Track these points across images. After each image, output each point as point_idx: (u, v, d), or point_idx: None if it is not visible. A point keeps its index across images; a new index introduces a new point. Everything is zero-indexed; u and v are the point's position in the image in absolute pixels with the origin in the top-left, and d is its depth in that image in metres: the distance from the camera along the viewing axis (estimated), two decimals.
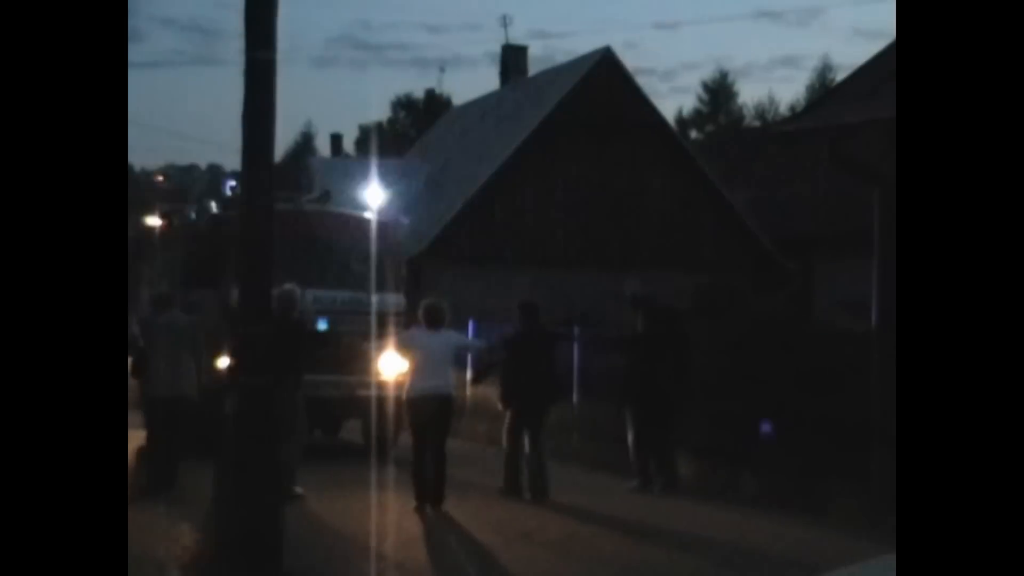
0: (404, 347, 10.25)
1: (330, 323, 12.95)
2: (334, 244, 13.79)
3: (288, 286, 10.13)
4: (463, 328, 17.34)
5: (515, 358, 10.66)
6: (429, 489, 9.72)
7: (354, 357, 12.75)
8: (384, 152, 43.55)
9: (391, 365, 12.50)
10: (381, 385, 12.57)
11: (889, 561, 2.89)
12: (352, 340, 12.86)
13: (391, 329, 12.67)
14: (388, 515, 9.38)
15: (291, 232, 12.65)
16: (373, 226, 14.16)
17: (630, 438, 11.17)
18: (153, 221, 15.97)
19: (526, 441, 10.61)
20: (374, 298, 13.37)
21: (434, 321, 10.04)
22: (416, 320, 10.42)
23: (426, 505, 9.65)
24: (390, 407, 12.41)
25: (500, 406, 10.95)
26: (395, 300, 13.58)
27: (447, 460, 9.88)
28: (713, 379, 11.82)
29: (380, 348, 12.60)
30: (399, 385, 12.96)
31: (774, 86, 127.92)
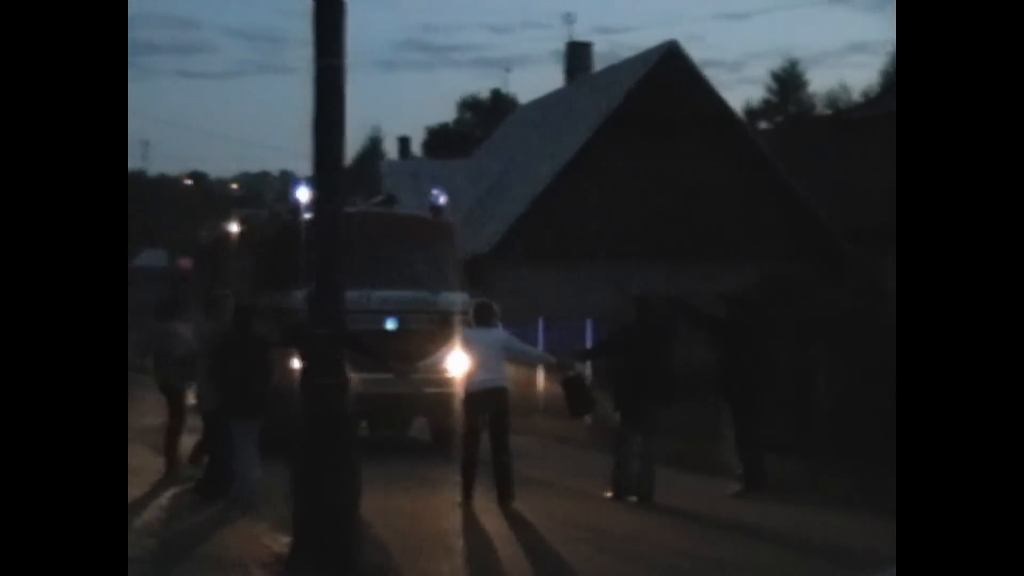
0: (464, 345, 10.46)
1: (397, 322, 13.22)
2: (398, 246, 14.06)
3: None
4: (531, 326, 17.44)
5: (631, 357, 10.30)
6: (477, 484, 9.76)
7: (420, 355, 12.98)
8: (451, 153, 43.77)
9: (457, 362, 12.72)
10: (448, 382, 12.73)
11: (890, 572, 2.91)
12: (418, 338, 13.14)
13: (456, 327, 12.81)
14: (460, 512, 9.49)
15: (356, 235, 12.97)
16: (435, 226, 14.42)
17: (730, 436, 10.77)
18: (231, 227, 16.28)
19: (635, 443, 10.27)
20: (439, 297, 13.59)
21: (483, 319, 10.30)
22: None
23: (472, 501, 9.68)
24: (457, 404, 12.59)
25: (614, 410, 10.55)
26: (459, 299, 13.72)
27: (512, 457, 9.91)
28: (789, 373, 11.66)
29: (445, 346, 12.74)
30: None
31: (846, 73, 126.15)
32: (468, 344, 10.33)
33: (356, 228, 13.07)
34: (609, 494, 10.23)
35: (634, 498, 10.11)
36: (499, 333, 10.48)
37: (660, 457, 10.63)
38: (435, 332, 13.33)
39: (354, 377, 11.96)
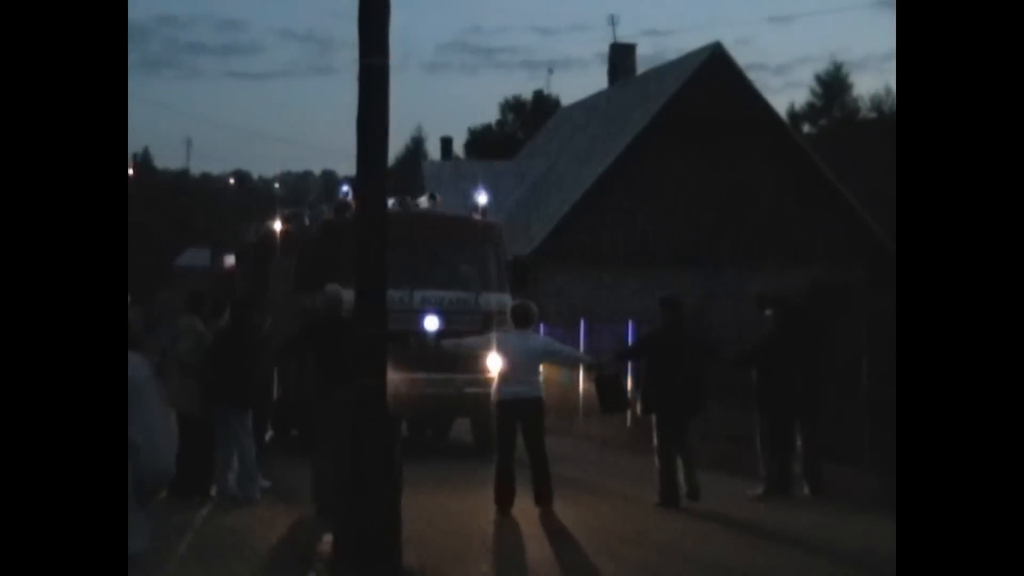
0: (498, 348, 9.99)
1: (439, 323, 13.13)
2: (440, 245, 14.02)
3: (332, 286, 10.05)
4: (575, 328, 17.38)
5: (659, 359, 10.06)
6: (511, 490, 9.50)
7: (461, 356, 12.74)
8: (493, 154, 43.81)
9: (498, 363, 12.64)
10: (489, 383, 12.70)
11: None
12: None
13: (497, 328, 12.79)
14: (501, 513, 9.43)
15: (398, 234, 12.93)
16: (478, 227, 14.35)
17: (760, 441, 10.73)
18: (276, 226, 16.37)
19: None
20: (481, 298, 13.51)
21: (522, 322, 9.86)
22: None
23: (510, 510, 9.42)
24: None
25: (640, 411, 10.40)
26: (501, 299, 13.63)
27: (548, 459, 9.68)
28: (837, 378, 11.48)
29: (487, 347, 12.71)
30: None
31: (891, 77, 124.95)
32: (502, 347, 9.84)
33: (398, 227, 13.16)
34: (657, 500, 10.01)
35: (683, 502, 9.92)
36: (537, 337, 10.22)
37: (702, 459, 10.48)
38: (477, 332, 13.28)
39: (396, 377, 11.99)
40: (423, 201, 15.08)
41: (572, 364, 14.55)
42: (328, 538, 7.72)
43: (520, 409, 9.56)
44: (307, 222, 15.32)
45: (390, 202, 13.55)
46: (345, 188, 14.29)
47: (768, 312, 10.97)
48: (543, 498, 9.60)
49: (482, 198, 14.72)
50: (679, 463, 10.02)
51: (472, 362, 12.79)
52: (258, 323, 10.99)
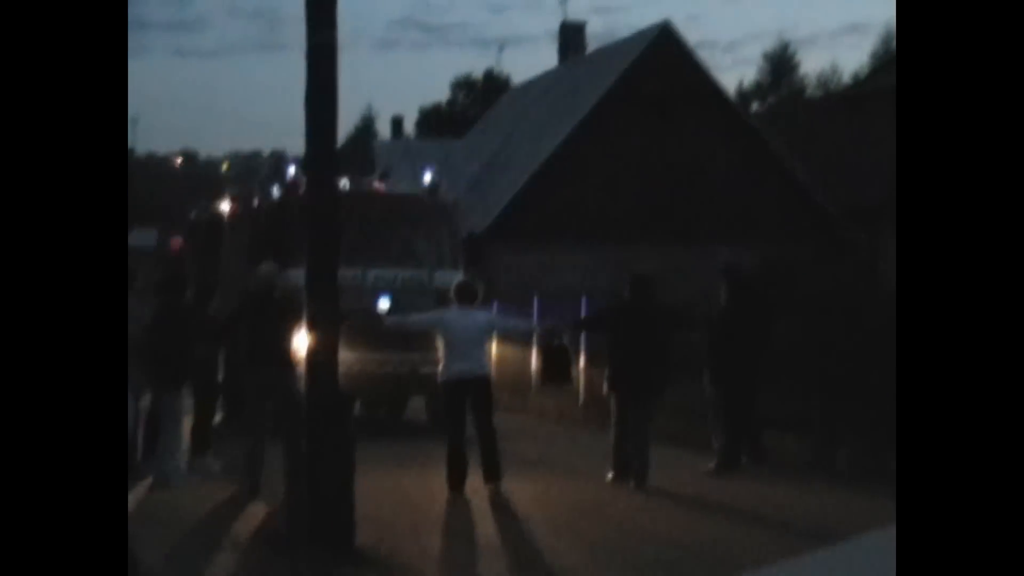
0: (435, 326, 9.89)
1: (392, 301, 13.08)
2: (392, 224, 13.98)
3: (266, 265, 9.89)
4: (526, 305, 17.43)
5: (625, 337, 9.90)
6: (462, 469, 9.41)
7: (418, 334, 12.91)
8: (445, 133, 43.66)
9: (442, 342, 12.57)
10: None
11: (890, 532, 2.91)
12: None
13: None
14: (454, 492, 9.44)
15: (351, 213, 12.86)
16: (430, 205, 14.29)
17: (712, 415, 10.82)
18: (224, 206, 16.24)
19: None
20: (434, 276, 13.44)
21: (465, 299, 9.72)
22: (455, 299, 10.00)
23: (462, 489, 9.35)
24: None
25: (605, 389, 10.26)
26: (455, 278, 13.69)
27: (496, 435, 9.58)
28: (785, 351, 11.64)
29: (431, 324, 12.65)
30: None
31: (840, 54, 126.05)
32: (445, 324, 9.66)
33: (350, 207, 13.08)
34: (610, 475, 10.00)
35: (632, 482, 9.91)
36: (481, 314, 10.05)
37: (657, 436, 10.54)
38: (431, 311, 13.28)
39: (350, 356, 11.93)
40: (375, 180, 15.09)
41: (521, 335, 14.57)
42: (282, 517, 7.73)
43: (467, 387, 9.45)
44: (256, 202, 15.24)
45: (342, 181, 13.49)
46: (293, 167, 14.22)
47: (721, 286, 11.11)
48: (492, 475, 9.55)
49: (428, 176, 14.73)
50: (632, 445, 9.92)
51: (426, 340, 12.77)
52: (189, 303, 10.83)
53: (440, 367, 9.72)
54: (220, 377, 12.06)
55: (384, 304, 13.03)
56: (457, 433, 9.47)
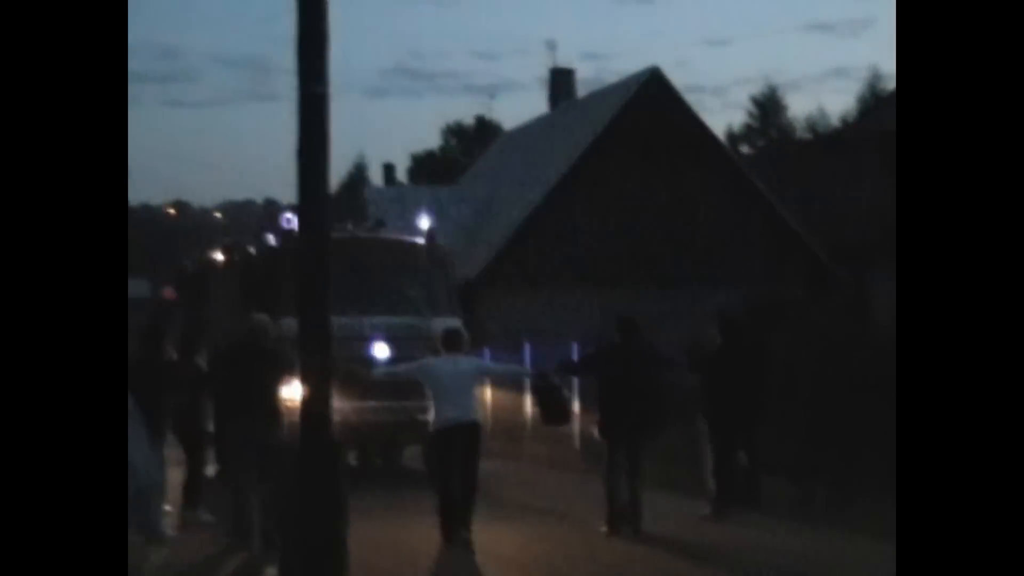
0: (423, 374, 9.72)
1: (389, 349, 12.92)
2: (388, 270, 13.86)
3: (259, 315, 9.73)
4: (518, 351, 17.43)
5: (614, 379, 9.81)
6: (455, 518, 9.22)
7: (413, 382, 12.83)
8: (436, 179, 43.83)
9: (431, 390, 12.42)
10: None
11: None
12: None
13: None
14: (448, 542, 9.27)
15: (345, 259, 12.78)
16: (427, 251, 14.21)
17: (711, 459, 10.70)
18: (216, 256, 16.24)
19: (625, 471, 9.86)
20: (432, 322, 13.20)
21: (452, 346, 9.60)
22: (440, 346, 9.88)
23: (457, 539, 9.14)
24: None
25: (597, 433, 10.10)
26: (451, 324, 13.63)
27: (478, 489, 9.35)
28: (777, 393, 11.60)
29: (419, 373, 12.50)
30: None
31: (826, 98, 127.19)
32: (433, 372, 9.51)
33: (346, 253, 12.98)
34: (604, 528, 9.76)
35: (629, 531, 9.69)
36: (469, 361, 9.87)
37: (647, 480, 10.47)
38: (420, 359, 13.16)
39: (345, 405, 11.80)
40: (370, 227, 15.00)
41: (511, 380, 14.47)
42: (272, 570, 7.65)
43: (458, 434, 9.27)
44: (252, 251, 15.22)
45: (337, 228, 13.47)
46: (289, 215, 14.19)
47: (713, 331, 11.10)
48: (464, 524, 9.28)
49: (424, 222, 14.70)
50: (626, 490, 9.77)
51: (421, 388, 12.65)
52: (168, 353, 10.67)
53: (430, 417, 9.57)
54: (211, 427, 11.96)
55: (381, 352, 12.88)
56: (449, 482, 9.30)
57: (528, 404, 16.82)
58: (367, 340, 12.87)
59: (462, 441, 9.31)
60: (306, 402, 7.32)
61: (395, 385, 12.12)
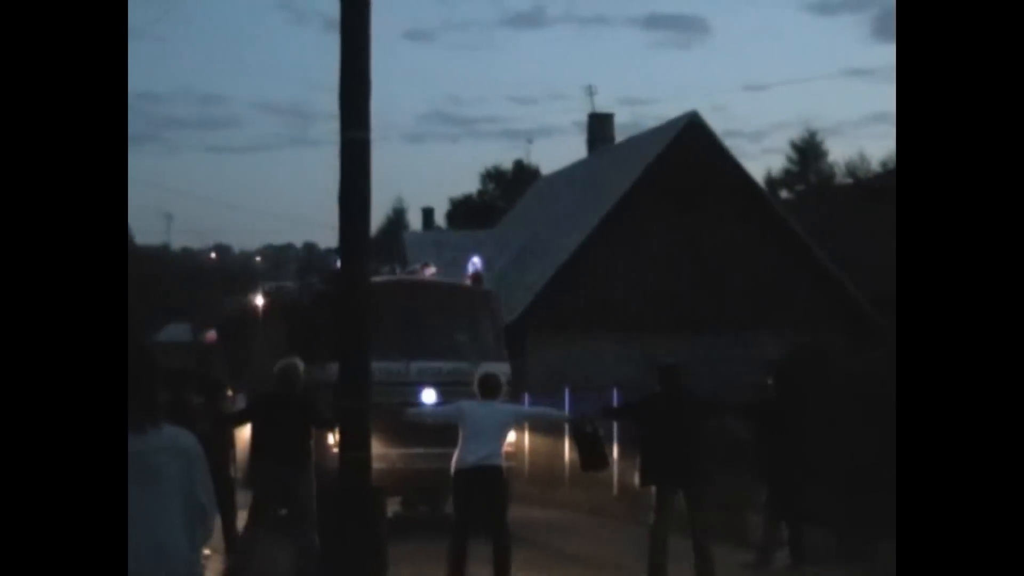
0: (455, 418, 9.50)
1: (436, 394, 12.63)
2: (437, 314, 13.54)
3: (289, 360, 9.63)
4: (559, 397, 17.34)
5: (656, 427, 9.55)
6: (461, 565, 8.91)
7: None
8: (474, 223, 44.01)
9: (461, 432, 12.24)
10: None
11: None
12: None
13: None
14: None
15: (393, 303, 12.62)
16: (475, 295, 13.95)
17: (766, 510, 10.58)
18: (257, 300, 16.33)
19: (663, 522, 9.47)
20: (478, 368, 13.09)
21: (488, 392, 9.47)
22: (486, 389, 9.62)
23: None
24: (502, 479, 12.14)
25: (638, 482, 9.86)
26: (502, 369, 13.09)
27: (510, 544, 9.06)
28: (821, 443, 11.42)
29: (452, 415, 12.30)
30: (509, 456, 12.25)
31: (866, 143, 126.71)
32: (467, 415, 9.30)
33: (393, 297, 12.79)
34: None
35: None
36: (503, 406, 9.75)
37: (680, 527, 10.19)
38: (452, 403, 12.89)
39: (391, 452, 11.68)
40: (417, 270, 14.74)
41: (548, 423, 14.29)
42: None
43: (481, 478, 9.01)
44: (298, 294, 15.18)
45: (385, 271, 13.45)
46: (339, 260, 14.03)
47: (769, 380, 10.96)
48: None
49: (473, 266, 14.48)
50: (694, 546, 9.38)
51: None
52: (193, 398, 10.60)
53: (454, 458, 9.36)
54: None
55: (428, 397, 12.61)
56: (464, 528, 9.05)
57: (567, 449, 16.69)
58: (414, 385, 12.61)
59: (483, 485, 9.07)
60: (344, 447, 7.33)
61: (441, 431, 11.94)
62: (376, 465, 10.94)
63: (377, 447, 11.23)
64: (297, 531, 8.87)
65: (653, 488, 9.61)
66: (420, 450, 12.26)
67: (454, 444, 12.15)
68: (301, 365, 9.56)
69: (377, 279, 13.66)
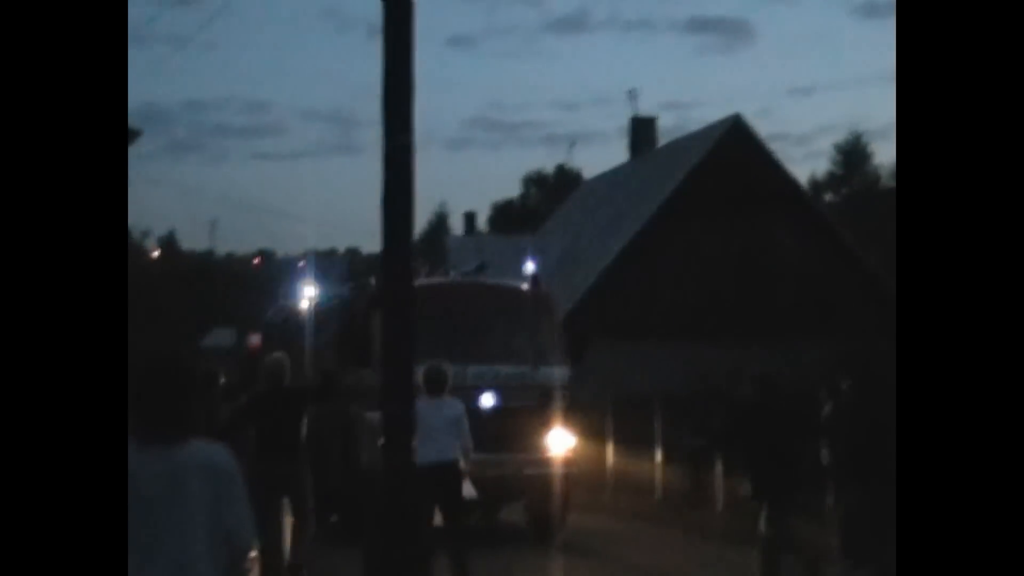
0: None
1: (495, 399, 12.30)
2: (493, 317, 13.12)
3: (277, 355, 9.71)
4: (605, 403, 17.23)
5: (761, 440, 9.32)
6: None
7: (519, 434, 12.13)
8: (516, 228, 44.03)
9: (559, 441, 12.06)
10: (549, 463, 12.10)
11: None
12: (517, 415, 12.21)
13: (557, 403, 12.20)
14: None
15: (448, 306, 12.47)
16: (532, 297, 13.46)
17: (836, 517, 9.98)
18: (302, 304, 16.36)
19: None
20: (539, 372, 12.68)
21: (435, 388, 9.18)
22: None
23: None
24: (558, 486, 11.94)
25: (752, 496, 9.51)
26: (560, 373, 12.91)
27: (467, 537, 8.90)
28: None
29: (547, 424, 12.15)
30: (568, 463, 12.41)
31: None
32: (416, 417, 8.93)
33: (449, 300, 12.61)
34: None
35: None
36: (452, 402, 9.35)
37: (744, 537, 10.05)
38: (536, 409, 12.38)
39: None
40: (470, 272, 14.28)
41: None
42: None
43: (434, 475, 8.73)
44: (351, 296, 14.71)
45: (440, 273, 13.36)
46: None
47: (844, 385, 10.57)
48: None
49: (531, 267, 14.20)
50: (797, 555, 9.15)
51: (530, 441, 12.14)
52: (218, 402, 10.55)
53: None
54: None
55: (487, 402, 12.28)
56: (425, 530, 8.68)
57: (609, 457, 16.59)
58: (472, 390, 12.07)
59: (440, 483, 8.91)
60: (389, 452, 7.32)
61: (500, 437, 11.72)
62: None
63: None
64: (299, 517, 9.01)
65: (762, 503, 9.35)
66: (481, 455, 11.97)
67: (517, 450, 12.10)
68: (287, 361, 9.65)
69: (432, 281, 13.49)
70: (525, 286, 13.85)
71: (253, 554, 3.53)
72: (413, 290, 8.01)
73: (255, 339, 23.01)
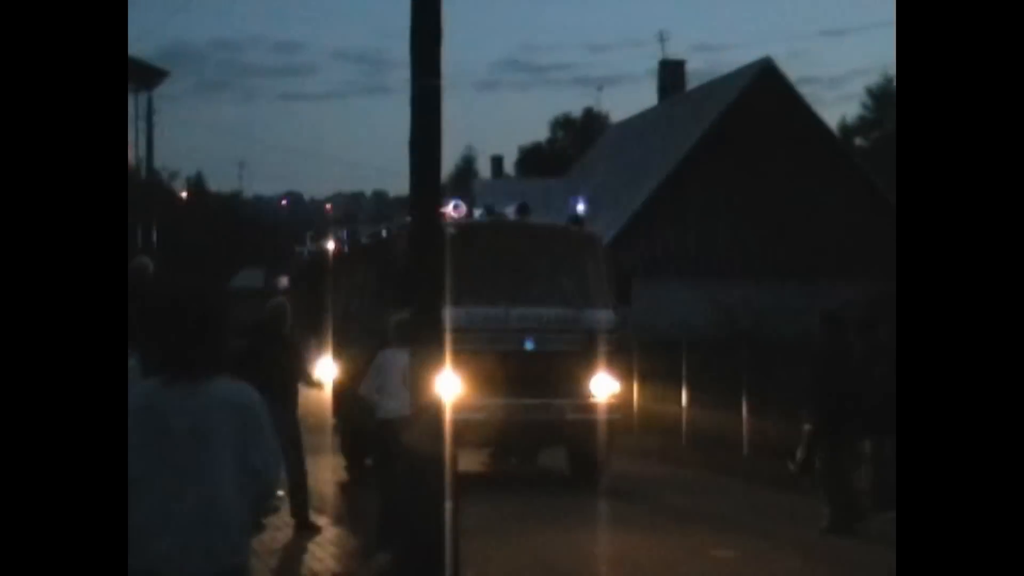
0: (377, 368, 9.10)
1: (536, 342, 12.02)
2: (537, 259, 12.69)
3: (278, 299, 9.67)
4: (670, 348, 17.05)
5: (826, 375, 9.57)
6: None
7: (562, 378, 11.89)
8: (544, 172, 43.85)
9: (603, 386, 11.91)
10: (593, 408, 11.90)
11: None
12: (561, 359, 11.97)
13: (602, 348, 11.99)
14: (598, 550, 8.80)
15: (492, 248, 12.29)
16: (578, 237, 13.07)
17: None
18: (329, 246, 16.34)
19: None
20: (583, 314, 12.28)
21: (405, 338, 8.48)
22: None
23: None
24: (602, 432, 11.83)
25: (813, 430, 9.68)
26: (605, 316, 12.47)
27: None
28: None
29: (591, 368, 11.92)
30: (612, 408, 12.21)
31: None
32: (377, 368, 9.04)
33: (492, 241, 12.37)
34: (825, 522, 9.49)
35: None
36: (404, 355, 8.82)
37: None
38: (580, 352, 12.07)
39: (489, 403, 11.59)
40: (511, 213, 13.50)
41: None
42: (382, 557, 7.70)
43: (396, 427, 8.46)
44: (383, 235, 14.26)
45: (477, 214, 13.05)
46: (456, 201, 13.04)
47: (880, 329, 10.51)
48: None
49: (580, 207, 13.64)
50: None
51: (574, 385, 11.88)
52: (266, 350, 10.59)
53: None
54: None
55: (530, 345, 12.02)
56: (391, 475, 8.55)
57: (683, 404, 16.30)
58: (515, 332, 11.96)
59: (392, 437, 8.57)
60: (416, 395, 7.32)
61: (543, 381, 11.63)
62: (475, 416, 10.98)
63: (476, 398, 11.25)
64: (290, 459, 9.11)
65: (822, 441, 9.57)
66: (520, 400, 11.77)
67: (559, 395, 11.85)
68: (287, 306, 9.59)
69: (476, 221, 12.97)
70: (570, 226, 13.39)
71: (281, 492, 3.57)
72: (443, 232, 7.99)
73: (283, 280, 23.09)
